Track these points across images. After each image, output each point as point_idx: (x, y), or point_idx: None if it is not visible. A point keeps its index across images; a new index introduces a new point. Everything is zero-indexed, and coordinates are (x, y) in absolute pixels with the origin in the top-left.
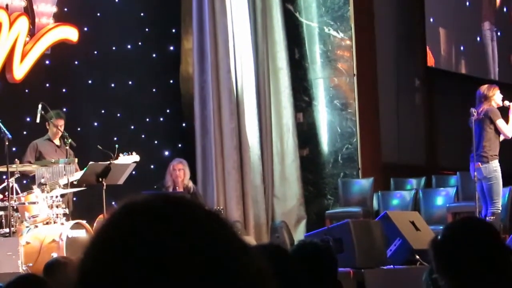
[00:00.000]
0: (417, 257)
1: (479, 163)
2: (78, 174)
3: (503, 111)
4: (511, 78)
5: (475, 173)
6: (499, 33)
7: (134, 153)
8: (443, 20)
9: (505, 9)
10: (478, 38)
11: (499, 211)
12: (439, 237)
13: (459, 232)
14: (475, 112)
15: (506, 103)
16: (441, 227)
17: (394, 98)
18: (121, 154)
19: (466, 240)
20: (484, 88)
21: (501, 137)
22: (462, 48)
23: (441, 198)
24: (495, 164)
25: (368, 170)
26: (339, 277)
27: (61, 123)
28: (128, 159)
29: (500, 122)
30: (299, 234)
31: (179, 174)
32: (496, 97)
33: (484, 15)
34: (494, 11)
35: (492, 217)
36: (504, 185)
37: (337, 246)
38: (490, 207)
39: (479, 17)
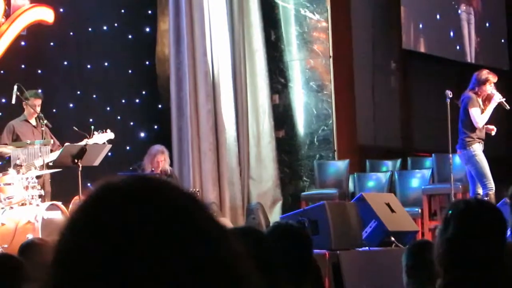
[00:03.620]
0: (392, 238)
1: (459, 150)
2: (54, 155)
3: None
4: (472, 58)
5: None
6: (460, 12)
7: (108, 130)
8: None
9: None
10: (437, 16)
11: (493, 191)
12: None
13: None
14: (450, 94)
15: (493, 92)
16: (417, 209)
17: (370, 80)
18: (95, 132)
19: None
20: (483, 72)
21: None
22: (421, 25)
23: (417, 180)
24: (473, 148)
25: (344, 152)
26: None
27: (38, 102)
28: (103, 137)
29: (474, 111)
30: (275, 215)
31: (161, 164)
32: (487, 87)
33: None
34: None
35: (486, 198)
36: None
37: (313, 228)
38: (484, 190)
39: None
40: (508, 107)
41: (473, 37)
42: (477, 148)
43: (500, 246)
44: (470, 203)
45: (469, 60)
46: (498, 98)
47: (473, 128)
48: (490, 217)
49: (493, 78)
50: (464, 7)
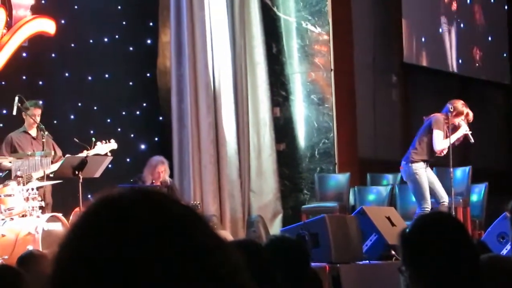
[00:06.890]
0: (393, 252)
1: (403, 162)
2: (55, 167)
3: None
4: (473, 72)
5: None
6: (462, 25)
7: (112, 140)
8: (413, 13)
9: (468, 1)
10: (440, 30)
11: (428, 211)
12: (407, 229)
13: (427, 224)
14: (451, 108)
15: (461, 123)
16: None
17: (371, 93)
18: (98, 143)
19: (432, 232)
20: (461, 103)
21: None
22: (423, 39)
23: None
24: (415, 167)
25: (345, 165)
26: None
27: (38, 112)
28: (106, 147)
29: (436, 133)
30: (275, 228)
31: (162, 175)
32: (460, 118)
33: (444, 7)
34: (456, 1)
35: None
36: (480, 181)
37: (313, 241)
38: (418, 209)
39: (439, 9)
40: (472, 140)
41: (454, 47)
42: (419, 167)
43: (472, 262)
44: (420, 224)
45: (451, 70)
46: (464, 129)
47: (426, 147)
48: (444, 234)
49: (470, 116)
50: (445, 18)
